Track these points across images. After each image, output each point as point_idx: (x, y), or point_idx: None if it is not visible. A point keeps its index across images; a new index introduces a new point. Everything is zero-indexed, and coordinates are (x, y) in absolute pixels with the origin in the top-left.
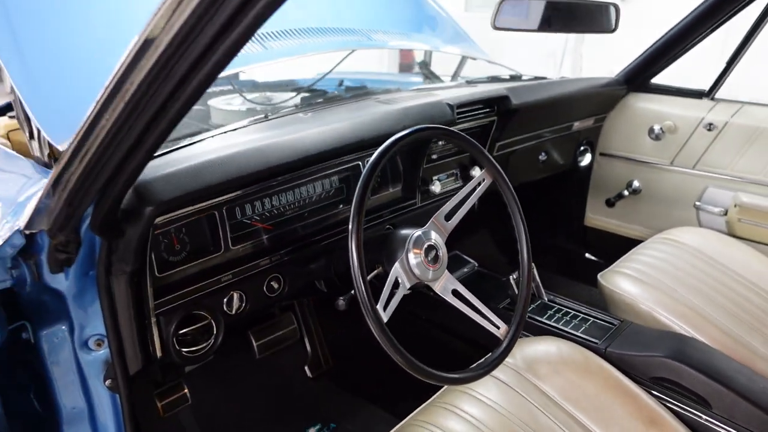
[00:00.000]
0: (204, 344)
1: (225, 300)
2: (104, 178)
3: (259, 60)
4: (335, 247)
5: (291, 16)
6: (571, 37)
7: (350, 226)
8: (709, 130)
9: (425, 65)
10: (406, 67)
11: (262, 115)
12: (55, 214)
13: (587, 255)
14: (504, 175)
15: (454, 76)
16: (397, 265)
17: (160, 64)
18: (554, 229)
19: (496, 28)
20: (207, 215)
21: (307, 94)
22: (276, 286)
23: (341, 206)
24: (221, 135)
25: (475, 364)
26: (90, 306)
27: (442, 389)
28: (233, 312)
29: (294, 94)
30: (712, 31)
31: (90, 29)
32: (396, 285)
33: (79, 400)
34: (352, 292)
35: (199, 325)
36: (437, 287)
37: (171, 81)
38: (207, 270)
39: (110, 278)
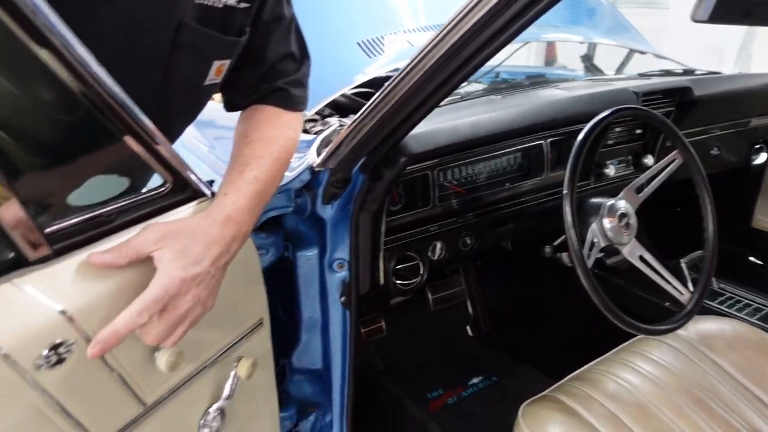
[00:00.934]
0: (413, 280)
1: (430, 247)
2: (385, 134)
3: None
4: (521, 213)
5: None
6: (741, 32)
7: (565, 191)
8: None
9: (588, 59)
10: (550, 62)
11: (458, 97)
12: (341, 157)
13: (751, 258)
14: (696, 158)
15: (620, 69)
16: (594, 226)
17: (456, 46)
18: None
19: (696, 20)
20: (422, 175)
21: (483, 85)
22: (469, 241)
23: (524, 181)
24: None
25: (664, 321)
26: (340, 235)
27: (602, 357)
28: (435, 257)
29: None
30: None
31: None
32: (591, 246)
33: (317, 311)
34: (547, 249)
35: (410, 264)
36: (625, 251)
37: (459, 59)
38: (418, 220)
39: (360, 214)
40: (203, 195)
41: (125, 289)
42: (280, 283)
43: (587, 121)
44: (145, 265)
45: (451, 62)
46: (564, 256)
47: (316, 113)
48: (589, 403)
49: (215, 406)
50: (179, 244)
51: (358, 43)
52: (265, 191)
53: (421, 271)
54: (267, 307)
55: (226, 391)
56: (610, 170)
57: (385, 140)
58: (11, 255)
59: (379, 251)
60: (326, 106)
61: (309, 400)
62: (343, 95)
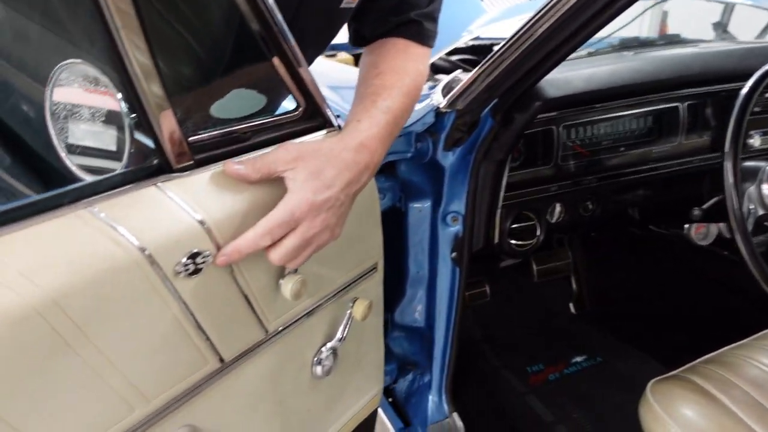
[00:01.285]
0: (528, 241)
1: (549, 208)
2: (521, 74)
3: None
4: (649, 181)
5: None
6: None
7: (727, 148)
8: None
9: (721, 26)
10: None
11: (585, 53)
12: (472, 98)
13: None
14: None
15: (763, 34)
16: (751, 190)
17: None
18: None
19: None
20: (545, 130)
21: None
22: (591, 206)
23: (653, 146)
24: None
25: None
26: (458, 186)
27: (740, 342)
28: (553, 220)
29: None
30: None
31: None
32: (747, 215)
33: (425, 266)
34: (695, 211)
35: (526, 224)
36: None
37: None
38: (537, 179)
39: (483, 163)
40: (332, 126)
41: (258, 207)
42: (388, 234)
43: (743, 79)
44: (278, 185)
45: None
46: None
47: None
48: (727, 388)
49: (329, 345)
50: (312, 166)
51: None
52: (396, 123)
53: (538, 233)
54: (382, 252)
55: (340, 333)
56: (755, 140)
57: (521, 81)
58: (156, 161)
59: (497, 207)
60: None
61: (408, 358)
62: (442, 59)
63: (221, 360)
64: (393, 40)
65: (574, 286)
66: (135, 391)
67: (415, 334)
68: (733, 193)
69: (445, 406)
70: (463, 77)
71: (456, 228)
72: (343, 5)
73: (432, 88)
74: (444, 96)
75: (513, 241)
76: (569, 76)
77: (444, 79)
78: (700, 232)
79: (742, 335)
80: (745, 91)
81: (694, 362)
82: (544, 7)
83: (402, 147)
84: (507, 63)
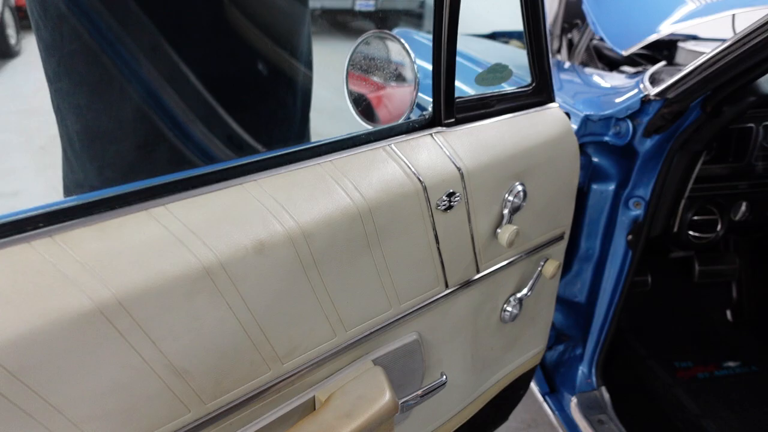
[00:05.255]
0: (707, 235)
1: (734, 205)
2: (741, 69)
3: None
4: None
5: None
6: None
7: None
8: None
9: None
10: None
11: None
12: (685, 88)
13: None
14: None
15: None
16: None
17: None
18: None
19: None
20: (744, 128)
21: None
22: None
23: None
24: None
25: None
26: (648, 172)
27: None
28: (737, 218)
29: None
30: None
31: None
32: None
33: (596, 245)
34: None
35: (708, 217)
36: None
37: None
38: (727, 175)
39: (679, 152)
40: (553, 101)
41: (499, 163)
42: None
43: None
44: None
45: None
46: None
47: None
48: None
49: (518, 295)
50: None
51: None
52: None
53: (719, 228)
54: (571, 223)
55: (528, 286)
56: None
57: (739, 76)
58: (431, 117)
59: (683, 197)
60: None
61: (562, 330)
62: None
63: (446, 285)
64: None
65: (734, 293)
66: (394, 293)
67: (573, 309)
68: None
69: (594, 379)
70: (670, 68)
71: (637, 212)
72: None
73: (631, 76)
74: (651, 85)
75: (692, 233)
76: None
77: (651, 68)
78: None
79: None
80: None
81: None
82: None
83: (600, 129)
84: (726, 60)
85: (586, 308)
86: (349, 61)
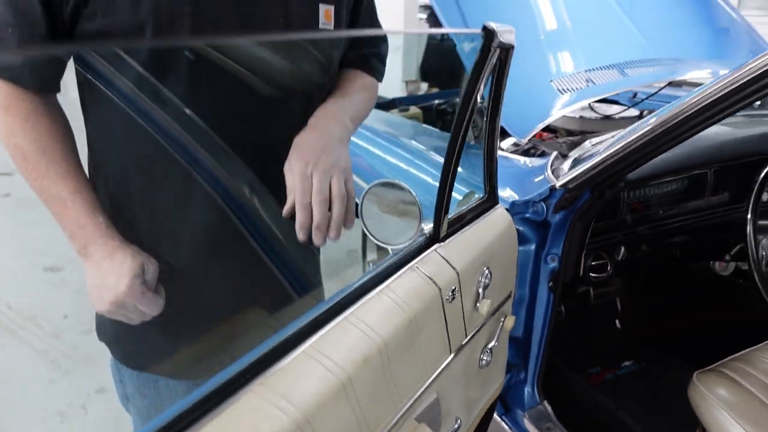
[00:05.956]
0: (601, 274)
1: (616, 250)
2: (620, 168)
3: (620, 87)
4: (685, 229)
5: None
6: None
7: (749, 215)
8: None
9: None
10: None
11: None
12: (579, 181)
13: None
14: None
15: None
16: (765, 242)
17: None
18: None
19: None
20: (616, 194)
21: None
22: (644, 247)
23: (687, 202)
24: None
25: None
26: (559, 236)
27: (757, 346)
28: (619, 258)
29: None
30: None
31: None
32: (763, 258)
33: (526, 292)
34: (727, 257)
35: (600, 261)
36: None
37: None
38: (607, 228)
39: (577, 222)
40: (497, 204)
41: (484, 262)
42: None
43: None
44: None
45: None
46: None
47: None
48: (749, 376)
49: (489, 346)
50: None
51: (551, 81)
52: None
53: (609, 268)
54: (515, 282)
55: (496, 338)
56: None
57: (620, 173)
58: (432, 235)
59: (583, 250)
60: None
61: (508, 361)
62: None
63: (450, 351)
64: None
65: (619, 306)
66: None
67: (514, 343)
68: (752, 243)
69: (537, 396)
70: (565, 162)
71: (554, 265)
72: (321, 26)
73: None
74: (553, 175)
75: (592, 274)
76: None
77: (549, 159)
78: (722, 266)
79: (749, 344)
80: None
81: (723, 360)
82: (644, 127)
83: (522, 209)
84: (612, 161)
85: (524, 341)
86: (362, 200)
